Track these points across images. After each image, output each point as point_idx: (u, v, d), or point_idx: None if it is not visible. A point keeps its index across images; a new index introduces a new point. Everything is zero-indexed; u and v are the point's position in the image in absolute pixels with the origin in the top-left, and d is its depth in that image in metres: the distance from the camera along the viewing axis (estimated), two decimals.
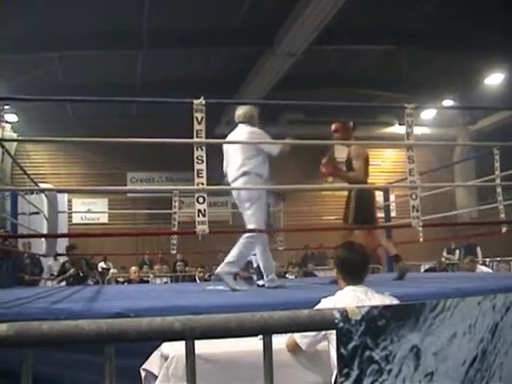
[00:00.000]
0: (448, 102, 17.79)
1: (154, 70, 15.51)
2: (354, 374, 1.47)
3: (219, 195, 17.69)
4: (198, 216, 5.04)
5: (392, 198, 14.34)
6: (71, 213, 18.00)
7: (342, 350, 1.47)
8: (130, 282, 11.24)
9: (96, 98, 9.40)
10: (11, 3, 11.26)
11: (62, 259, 11.93)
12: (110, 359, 1.43)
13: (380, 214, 11.80)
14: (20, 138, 17.46)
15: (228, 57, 15.26)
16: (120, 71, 15.70)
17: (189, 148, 5.15)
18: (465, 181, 18.17)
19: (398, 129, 18.42)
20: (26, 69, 14.43)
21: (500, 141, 7.52)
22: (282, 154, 6.22)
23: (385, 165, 21.27)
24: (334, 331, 1.48)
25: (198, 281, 11.19)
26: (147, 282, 11.81)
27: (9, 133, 17.11)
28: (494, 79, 16.60)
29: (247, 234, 6.07)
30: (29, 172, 9.91)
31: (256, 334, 1.51)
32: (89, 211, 18.69)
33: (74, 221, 18.47)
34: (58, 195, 9.96)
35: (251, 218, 6.08)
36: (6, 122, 16.88)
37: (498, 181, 7.72)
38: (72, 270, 10.47)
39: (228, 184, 6.40)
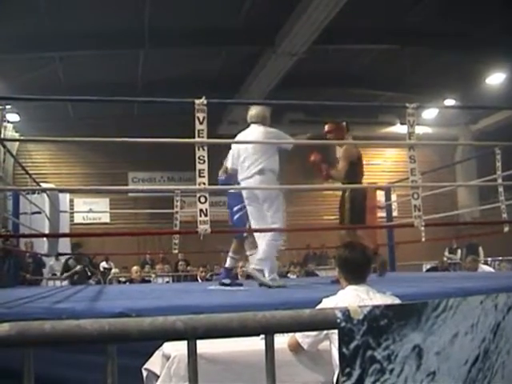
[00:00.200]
0: (449, 102, 17.79)
1: (155, 69, 15.51)
2: (356, 373, 1.47)
3: (221, 195, 17.68)
4: (200, 216, 5.04)
5: (394, 197, 14.37)
6: (73, 212, 17.99)
7: (344, 350, 1.47)
8: (131, 281, 11.25)
9: (97, 97, 9.39)
10: (12, 3, 11.27)
11: (63, 258, 11.94)
12: (112, 359, 1.43)
13: (382, 214, 11.85)
14: (22, 137, 17.48)
15: (229, 56, 15.26)
16: (121, 71, 15.71)
17: (190, 148, 5.15)
18: (466, 180, 18.15)
19: (399, 128, 18.39)
20: (28, 69, 14.44)
21: (502, 140, 7.49)
22: (294, 148, 6.50)
23: (386, 164, 21.28)
24: (336, 331, 1.48)
25: (199, 280, 11.20)
26: (149, 281, 11.81)
27: (10, 132, 17.11)
28: (495, 79, 16.59)
29: (270, 234, 6.21)
30: (30, 172, 9.92)
31: (258, 334, 1.51)
32: (90, 211, 18.71)
33: (76, 220, 18.47)
34: (60, 195, 9.98)
35: (273, 217, 6.20)
36: (8, 121, 16.87)
37: (499, 180, 7.71)
38: (78, 268, 10.46)
39: (234, 183, 6.49)
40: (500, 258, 13.91)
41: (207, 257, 13.91)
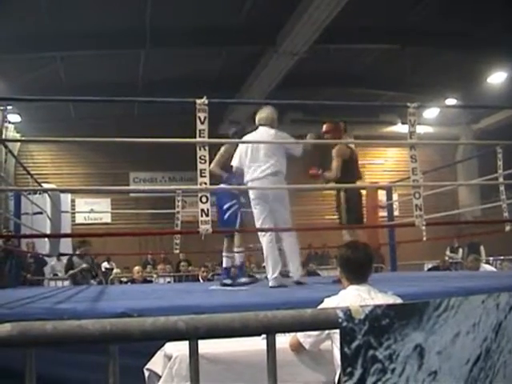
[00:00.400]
0: (451, 101, 17.78)
1: (156, 69, 15.52)
2: (358, 373, 1.47)
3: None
4: (201, 215, 5.04)
5: (395, 197, 14.36)
6: (74, 213, 18.00)
7: (346, 349, 1.47)
8: (133, 281, 11.25)
9: (98, 97, 9.41)
10: (13, 3, 11.27)
11: (65, 258, 11.94)
12: (113, 359, 1.43)
13: (383, 213, 11.83)
14: (23, 138, 17.50)
15: (230, 56, 15.26)
16: (122, 71, 15.71)
17: (191, 148, 5.16)
18: (468, 179, 18.14)
19: (400, 128, 18.39)
20: (29, 69, 14.45)
21: (503, 139, 7.49)
22: (303, 155, 6.59)
23: (387, 164, 21.28)
24: (338, 330, 1.48)
25: (201, 280, 11.20)
26: (150, 281, 11.82)
27: (12, 133, 17.14)
28: (496, 78, 16.58)
29: (292, 234, 6.58)
30: (32, 172, 9.93)
31: (260, 334, 1.51)
32: (92, 211, 18.73)
33: (77, 221, 18.48)
34: (61, 195, 9.98)
35: (289, 217, 6.50)
36: (9, 122, 16.90)
37: (501, 179, 7.71)
38: (84, 266, 10.46)
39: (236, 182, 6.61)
40: (502, 257, 13.91)
41: (209, 257, 13.91)
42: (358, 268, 3.37)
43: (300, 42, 13.20)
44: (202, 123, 5.10)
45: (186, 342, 1.47)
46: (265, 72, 14.98)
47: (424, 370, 1.55)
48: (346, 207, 6.93)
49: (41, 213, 9.38)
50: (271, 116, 6.56)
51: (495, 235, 10.07)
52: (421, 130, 8.55)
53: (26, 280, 10.84)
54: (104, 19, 12.77)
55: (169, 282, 12.25)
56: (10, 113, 16.49)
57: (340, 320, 1.47)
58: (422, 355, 1.54)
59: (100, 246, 13.94)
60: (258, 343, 2.18)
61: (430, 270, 14.16)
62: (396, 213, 13.83)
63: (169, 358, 3.14)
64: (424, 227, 6.09)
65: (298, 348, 3.25)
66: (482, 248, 14.56)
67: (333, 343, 3.16)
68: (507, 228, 7.39)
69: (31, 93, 10.54)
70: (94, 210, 18.77)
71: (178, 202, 10.15)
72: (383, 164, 21.28)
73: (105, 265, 14.81)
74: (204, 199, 5.06)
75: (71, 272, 10.40)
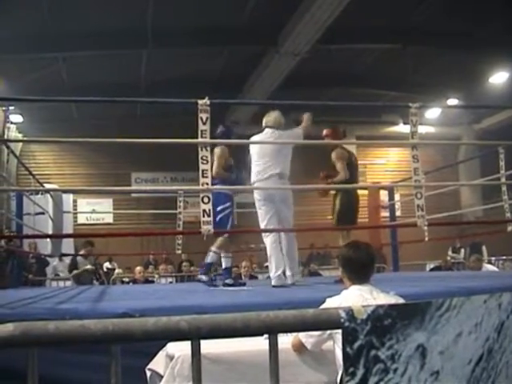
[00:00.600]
0: (453, 101, 17.76)
1: (158, 69, 15.52)
2: (360, 373, 1.47)
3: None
4: (203, 216, 5.05)
5: (397, 197, 14.33)
6: (76, 213, 18.02)
7: (348, 349, 1.47)
8: (135, 282, 11.26)
9: (100, 98, 9.41)
10: (15, 3, 11.28)
11: (67, 259, 11.95)
12: (116, 359, 1.43)
13: (385, 213, 11.84)
14: (25, 138, 17.51)
15: (232, 56, 15.25)
16: (124, 71, 15.71)
17: (193, 148, 5.16)
18: (470, 180, 18.14)
19: (402, 128, 18.40)
20: (31, 69, 14.45)
21: (505, 139, 7.48)
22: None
23: (389, 164, 21.26)
24: (340, 330, 1.48)
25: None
26: (152, 282, 11.82)
27: (14, 133, 17.15)
28: (498, 78, 16.56)
29: (291, 234, 6.69)
30: (34, 172, 9.96)
31: (262, 334, 1.51)
32: (94, 211, 18.74)
33: (79, 221, 18.50)
34: (63, 195, 9.99)
35: (291, 219, 6.64)
36: (11, 122, 16.90)
37: (503, 179, 7.71)
38: (88, 267, 10.47)
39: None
40: (504, 257, 13.90)
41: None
42: (360, 268, 3.36)
43: (302, 42, 13.20)
44: (204, 124, 5.11)
45: (188, 342, 1.47)
46: (267, 72, 14.97)
47: (426, 370, 1.55)
48: (339, 209, 7.09)
49: (43, 213, 9.40)
50: (278, 119, 6.77)
51: (497, 235, 10.07)
52: (423, 130, 8.57)
53: (28, 280, 10.84)
54: (106, 19, 12.78)
55: (170, 283, 12.24)
56: (12, 113, 16.49)
57: (342, 320, 1.47)
58: (424, 355, 1.54)
59: (102, 247, 13.96)
60: (260, 343, 2.18)
61: (431, 270, 14.15)
62: (398, 213, 13.85)
63: (171, 358, 3.14)
64: (426, 227, 6.10)
65: (299, 348, 3.25)
66: (484, 248, 14.55)
67: (335, 343, 3.15)
68: (509, 228, 7.41)
69: (33, 93, 10.54)
70: (96, 210, 18.79)
71: (180, 202, 10.16)
72: (385, 164, 21.27)
73: (107, 265, 14.81)
74: (206, 200, 5.07)
75: (75, 272, 10.41)
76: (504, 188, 7.57)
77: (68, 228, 12.96)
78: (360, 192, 7.74)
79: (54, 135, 14.38)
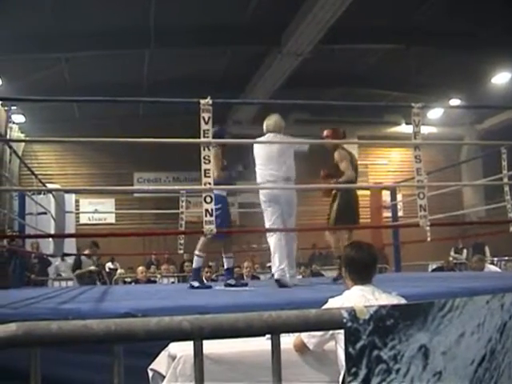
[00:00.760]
0: (455, 101, 17.75)
1: (161, 69, 15.51)
2: (362, 373, 1.47)
3: (228, 195, 17.68)
4: (206, 216, 5.05)
5: (399, 197, 14.33)
6: (78, 213, 18.01)
7: (350, 350, 1.47)
8: (137, 282, 11.26)
9: (102, 98, 9.41)
10: (18, 3, 11.29)
11: (69, 259, 11.97)
12: (118, 359, 1.43)
13: (387, 214, 11.83)
14: (27, 138, 17.52)
15: (235, 56, 15.25)
16: (126, 71, 15.71)
17: (196, 148, 5.17)
18: (472, 180, 18.12)
19: (404, 128, 18.38)
20: (33, 69, 14.45)
21: (507, 140, 7.48)
22: (308, 153, 6.90)
23: (392, 164, 21.24)
24: (342, 331, 1.48)
25: (205, 281, 11.19)
26: (154, 282, 11.82)
27: (16, 133, 17.16)
28: (500, 78, 16.54)
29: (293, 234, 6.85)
30: (36, 172, 9.95)
31: (264, 334, 1.51)
32: (96, 211, 18.75)
33: (82, 221, 18.49)
34: (66, 195, 10.00)
35: (293, 221, 6.75)
36: (14, 122, 16.93)
37: (505, 180, 7.71)
38: (93, 268, 10.48)
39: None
40: (506, 257, 13.88)
41: (212, 257, 13.89)
42: (362, 268, 3.36)
43: (304, 42, 13.20)
44: (207, 123, 5.11)
45: (190, 343, 1.47)
46: (269, 72, 14.97)
47: (429, 371, 1.55)
48: (337, 208, 7.13)
49: (45, 213, 9.41)
50: (279, 123, 6.81)
51: (499, 236, 10.06)
52: (425, 130, 8.55)
53: (30, 280, 10.85)
54: (108, 19, 12.78)
55: (173, 283, 12.25)
56: (14, 113, 16.52)
57: (345, 320, 1.47)
58: (427, 356, 1.54)
59: (104, 247, 13.96)
60: (263, 343, 2.18)
61: (434, 270, 14.13)
62: (400, 213, 13.84)
63: (173, 358, 3.14)
64: (428, 228, 6.09)
65: (302, 348, 3.25)
66: (486, 248, 14.53)
67: (337, 343, 3.15)
68: (511, 229, 7.39)
69: (36, 93, 10.54)
70: (98, 210, 18.80)
71: (182, 202, 10.16)
72: (387, 164, 21.24)
73: (109, 265, 14.82)
74: (208, 199, 5.07)
75: (78, 271, 10.42)
76: (506, 188, 7.57)
77: (70, 228, 12.95)
78: (362, 192, 7.78)
79: (56, 135, 14.40)
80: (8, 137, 14.53)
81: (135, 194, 19.09)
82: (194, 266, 7.07)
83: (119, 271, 13.65)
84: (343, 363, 2.70)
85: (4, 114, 15.76)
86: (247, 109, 17.45)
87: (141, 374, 3.34)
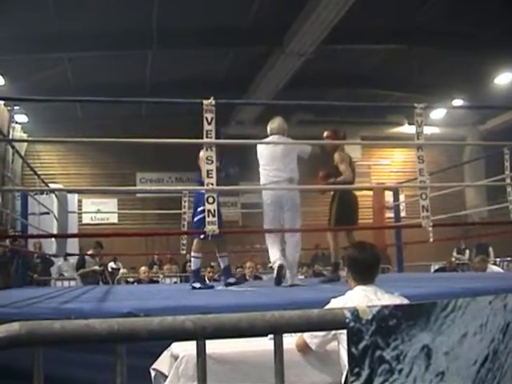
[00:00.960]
0: (458, 102, 17.72)
1: (163, 70, 15.52)
2: (365, 373, 1.47)
3: (229, 195, 17.70)
4: (208, 216, 5.05)
5: (402, 198, 14.33)
6: (81, 213, 18.02)
7: (353, 350, 1.47)
8: (139, 282, 11.27)
9: (105, 98, 9.42)
10: (21, 3, 11.30)
11: (72, 259, 11.98)
12: (121, 358, 1.43)
13: (390, 214, 11.82)
14: (30, 138, 17.52)
15: (237, 56, 15.25)
16: (129, 72, 15.71)
17: (198, 148, 5.17)
18: (474, 180, 18.09)
19: (407, 129, 18.36)
20: (36, 69, 14.46)
21: (510, 140, 7.49)
22: (310, 157, 6.97)
23: (394, 164, 21.22)
24: (344, 331, 1.48)
25: (207, 281, 11.20)
26: (157, 282, 11.84)
27: (19, 133, 17.17)
28: (503, 79, 16.52)
29: (297, 235, 6.91)
30: (39, 172, 9.96)
31: (267, 334, 1.51)
32: (98, 211, 18.74)
33: (84, 221, 18.48)
34: (68, 195, 10.00)
35: (298, 219, 6.78)
36: (16, 122, 16.94)
37: (508, 180, 7.70)
38: (97, 268, 10.49)
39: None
40: (508, 258, 13.87)
41: (215, 257, 13.88)
42: (364, 268, 3.36)
43: (307, 43, 13.18)
44: (209, 124, 5.11)
45: (193, 342, 1.47)
46: (272, 72, 14.96)
47: (431, 371, 1.55)
48: (336, 209, 7.21)
49: (48, 213, 9.41)
50: (282, 125, 6.89)
51: (502, 236, 10.05)
52: (427, 130, 8.55)
53: (33, 280, 10.87)
54: (111, 20, 12.79)
55: (175, 283, 12.26)
56: (17, 113, 16.53)
57: (347, 320, 1.47)
58: (430, 356, 1.54)
59: (107, 246, 13.99)
60: (265, 343, 2.18)
61: (436, 271, 14.13)
62: (403, 214, 13.81)
63: (175, 357, 3.14)
64: (431, 228, 6.09)
65: (304, 349, 3.25)
66: (490, 249, 14.51)
67: (339, 344, 3.15)
68: None
69: (38, 93, 10.55)
70: (101, 210, 18.79)
71: (185, 202, 10.17)
72: (390, 165, 21.23)
73: (111, 265, 14.83)
74: (211, 200, 5.08)
75: (82, 271, 10.43)
76: (509, 189, 7.55)
77: (73, 228, 12.94)
78: (364, 193, 7.81)
79: (59, 135, 14.39)
80: (11, 137, 14.52)
81: (138, 194, 19.09)
82: (193, 267, 7.08)
83: (122, 271, 13.67)
84: (346, 363, 2.69)
85: (7, 114, 15.76)
86: (250, 109, 17.46)
87: (143, 373, 3.35)
